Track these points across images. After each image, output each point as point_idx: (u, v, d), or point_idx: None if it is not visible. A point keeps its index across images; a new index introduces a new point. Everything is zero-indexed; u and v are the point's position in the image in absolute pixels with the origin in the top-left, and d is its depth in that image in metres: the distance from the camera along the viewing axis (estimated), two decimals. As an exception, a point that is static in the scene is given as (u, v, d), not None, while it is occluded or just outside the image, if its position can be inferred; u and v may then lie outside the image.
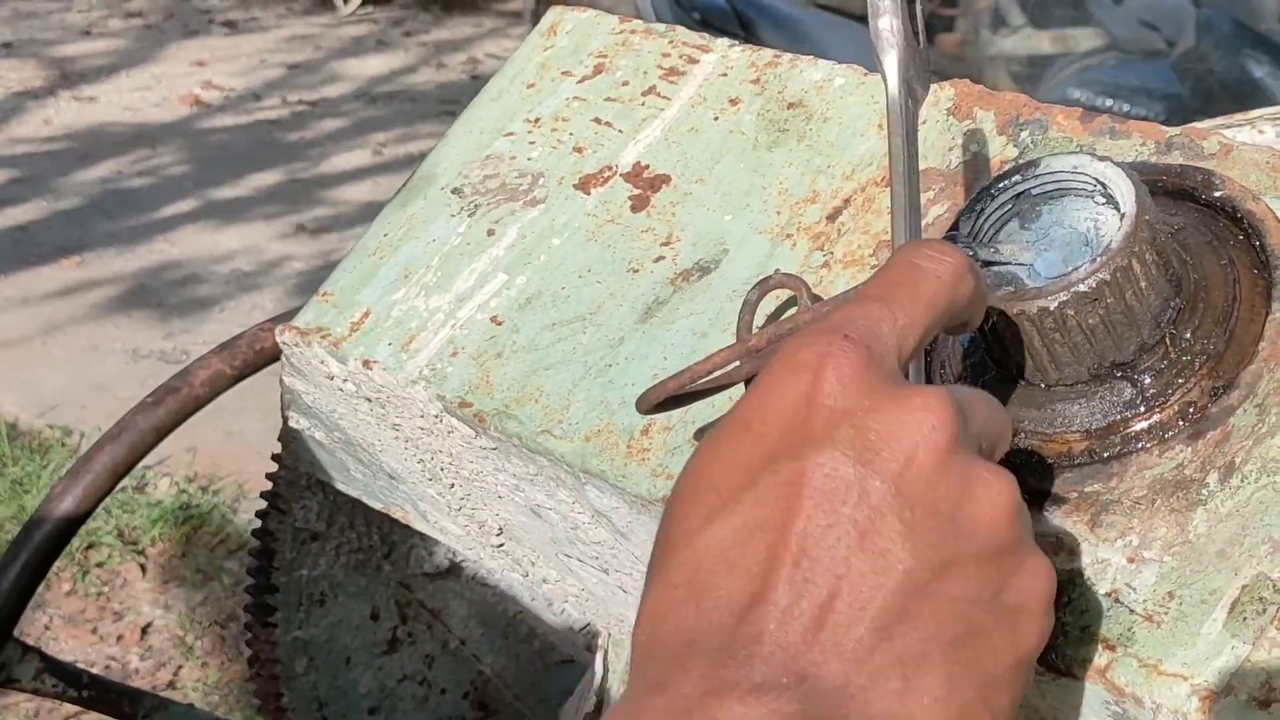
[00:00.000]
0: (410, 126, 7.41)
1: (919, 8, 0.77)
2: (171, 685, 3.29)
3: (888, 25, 0.75)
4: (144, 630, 3.49)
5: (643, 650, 0.59)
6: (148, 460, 4.04)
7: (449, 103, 7.59)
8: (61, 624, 3.45)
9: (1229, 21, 5.52)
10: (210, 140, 7.15)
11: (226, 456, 4.03)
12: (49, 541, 1.38)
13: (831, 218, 0.91)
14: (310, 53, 8.98)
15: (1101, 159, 0.74)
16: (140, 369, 4.47)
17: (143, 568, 3.68)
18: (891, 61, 0.75)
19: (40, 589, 3.64)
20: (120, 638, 3.45)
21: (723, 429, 0.62)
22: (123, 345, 4.82)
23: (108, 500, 3.84)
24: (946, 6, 7.86)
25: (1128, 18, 5.99)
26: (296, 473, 1.29)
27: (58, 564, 3.68)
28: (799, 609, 0.57)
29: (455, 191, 1.03)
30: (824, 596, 0.57)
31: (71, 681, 1.47)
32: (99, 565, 3.68)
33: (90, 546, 3.73)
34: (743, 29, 4.71)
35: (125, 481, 3.94)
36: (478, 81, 7.53)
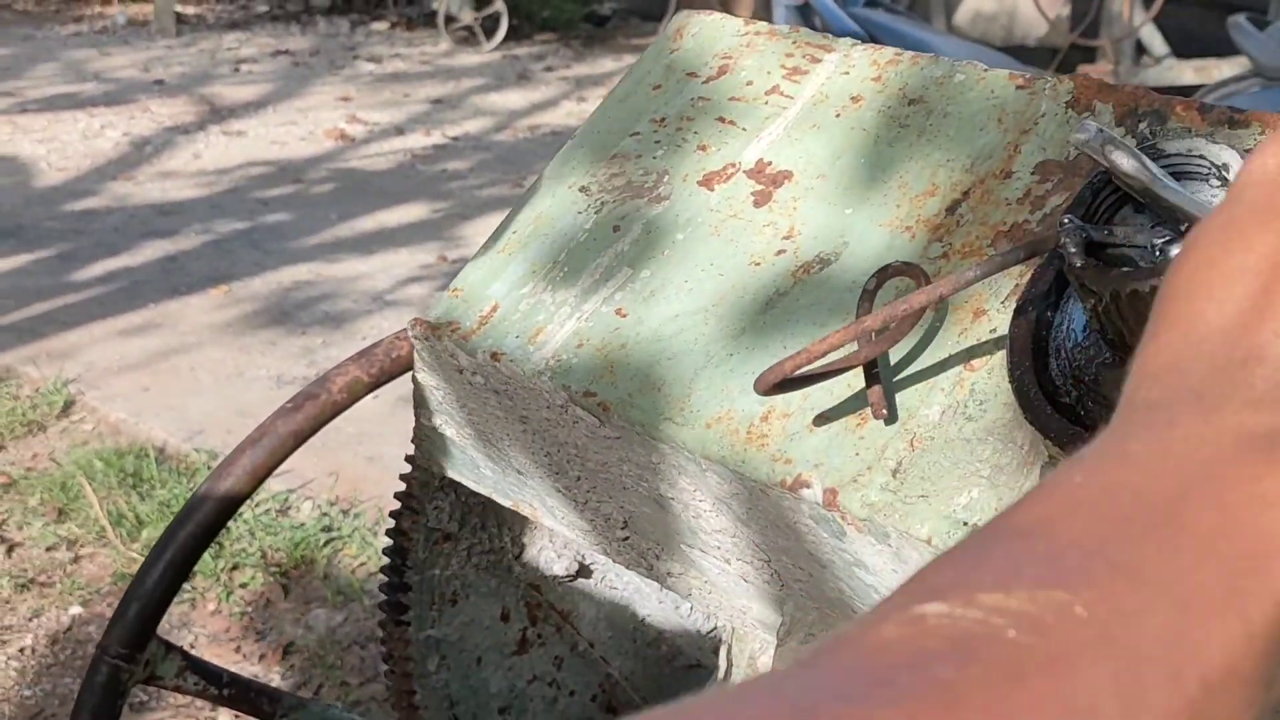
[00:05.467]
0: (551, 159, 7.48)
1: None
2: (312, 703, 3.34)
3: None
4: (285, 649, 3.55)
5: (1125, 398, 0.55)
6: (291, 483, 4.12)
7: (589, 136, 7.64)
8: (206, 642, 3.52)
9: (1375, 44, 5.44)
10: (354, 173, 7.28)
11: (367, 481, 4.10)
12: (192, 540, 1.42)
13: (950, 210, 0.92)
14: (453, 88, 9.11)
15: (1217, 143, 0.75)
16: (284, 394, 4.54)
17: (285, 589, 3.74)
18: None
19: (186, 609, 3.71)
20: (263, 656, 3.52)
21: (1214, 210, 0.60)
22: (267, 372, 4.91)
23: (251, 522, 3.92)
24: (1088, 38, 7.80)
25: (1271, 45, 5.92)
26: (429, 474, 1.32)
27: (203, 584, 3.76)
28: None
29: (582, 190, 1.06)
30: None
31: (212, 680, 1.51)
32: (243, 586, 3.75)
33: (235, 568, 3.80)
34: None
35: (269, 504, 4.02)
36: (617, 114, 7.57)
